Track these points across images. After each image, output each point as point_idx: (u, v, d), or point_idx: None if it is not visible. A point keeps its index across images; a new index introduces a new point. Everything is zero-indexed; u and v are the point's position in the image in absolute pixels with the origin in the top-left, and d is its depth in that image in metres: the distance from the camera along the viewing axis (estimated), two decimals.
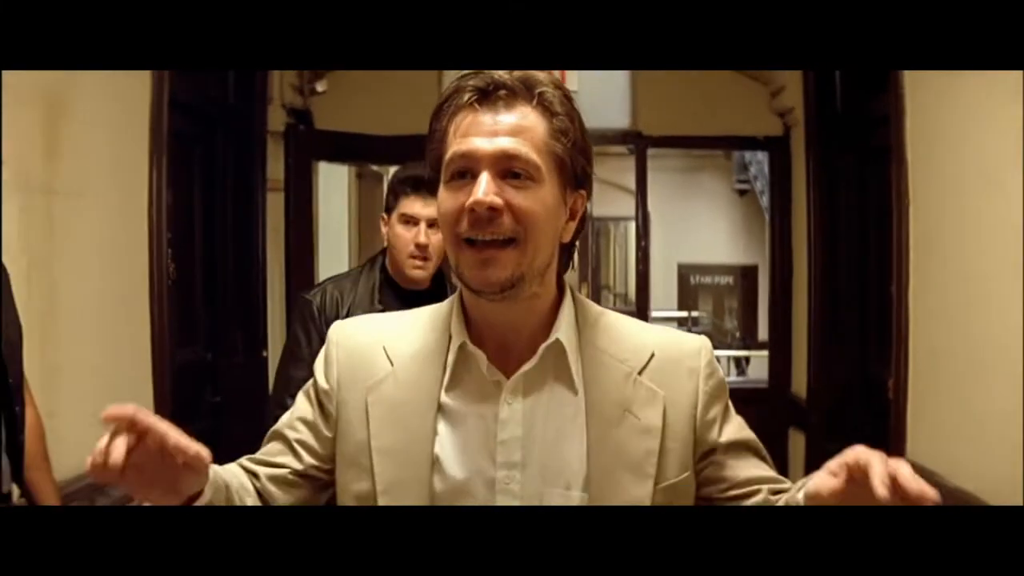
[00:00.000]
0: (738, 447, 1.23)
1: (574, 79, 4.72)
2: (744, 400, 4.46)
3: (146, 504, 1.04)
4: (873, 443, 2.73)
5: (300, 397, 1.26)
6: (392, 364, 1.21)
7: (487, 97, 1.15)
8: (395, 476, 1.17)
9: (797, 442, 4.69)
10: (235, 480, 1.18)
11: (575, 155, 1.18)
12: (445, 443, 1.18)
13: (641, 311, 5.37)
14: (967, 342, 2.81)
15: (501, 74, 1.16)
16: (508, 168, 1.13)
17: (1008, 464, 2.55)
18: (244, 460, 1.25)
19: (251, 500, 1.20)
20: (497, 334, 1.20)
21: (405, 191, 2.45)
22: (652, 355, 1.20)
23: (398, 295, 2.44)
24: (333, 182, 5.54)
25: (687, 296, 9.96)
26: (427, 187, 2.31)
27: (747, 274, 9.23)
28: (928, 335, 3.12)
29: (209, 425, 3.61)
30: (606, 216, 12.15)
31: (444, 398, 1.19)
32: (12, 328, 1.96)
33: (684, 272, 10.04)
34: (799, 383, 4.73)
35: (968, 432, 2.81)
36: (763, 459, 1.25)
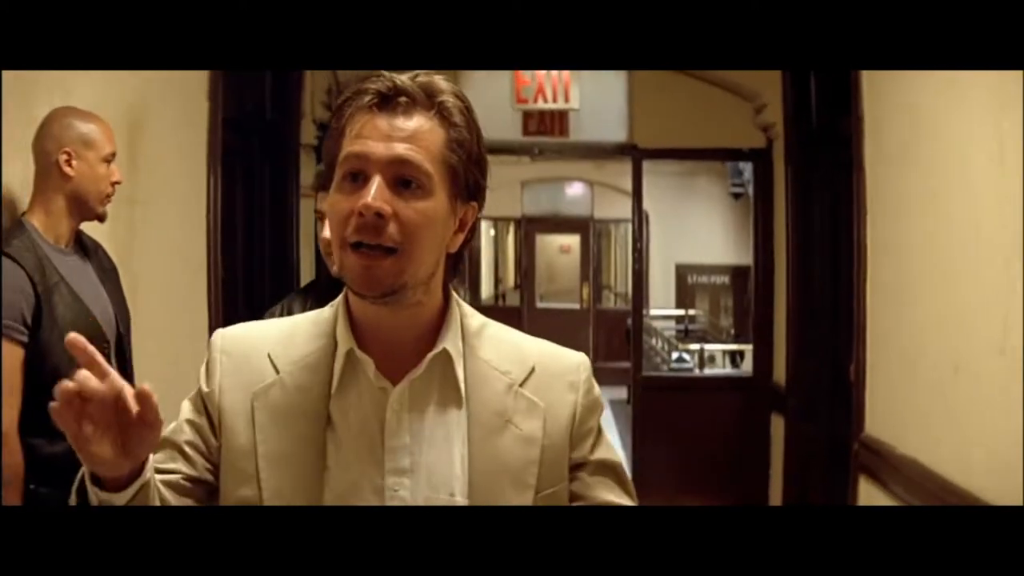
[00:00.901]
0: (605, 469, 1.24)
1: (576, 97, 5.23)
2: (733, 388, 4.92)
3: (89, 465, 1.03)
4: (839, 421, 3.18)
5: (185, 404, 1.24)
6: (278, 371, 1.20)
7: (387, 102, 1.13)
8: (282, 482, 1.16)
9: (777, 424, 5.13)
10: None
11: (469, 167, 1.17)
12: (332, 450, 1.17)
13: (637, 309, 5.83)
14: (914, 331, 3.17)
15: (403, 79, 1.15)
16: (400, 175, 1.12)
17: (948, 431, 2.94)
18: None
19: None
20: (383, 341, 1.19)
21: (319, 188, 2.35)
22: (533, 368, 1.21)
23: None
24: None
25: (684, 295, 10.05)
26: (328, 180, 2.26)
27: (741, 274, 9.34)
28: (882, 326, 3.49)
29: None
30: (607, 218, 12.65)
31: (332, 405, 1.18)
32: (124, 320, 2.40)
33: (682, 272, 10.08)
34: (779, 373, 5.13)
35: (916, 407, 3.16)
36: (624, 485, 1.27)
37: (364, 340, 1.19)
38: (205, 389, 1.20)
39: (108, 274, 2.42)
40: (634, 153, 5.55)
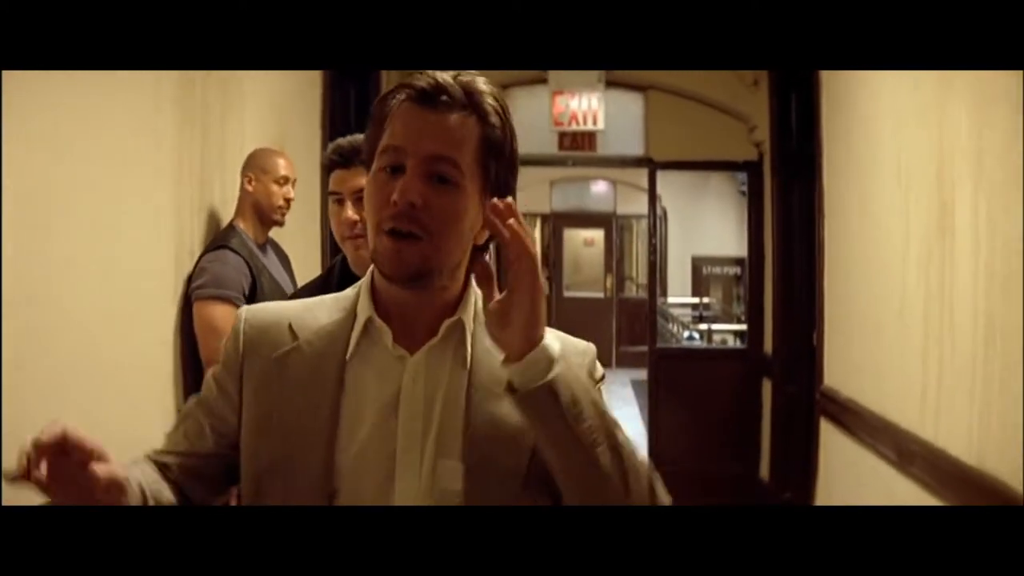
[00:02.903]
0: None
1: (602, 120, 5.84)
2: (731, 358, 6.02)
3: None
4: (806, 377, 4.13)
5: (207, 379, 1.26)
6: (297, 338, 1.21)
7: (429, 98, 1.14)
8: (296, 445, 1.16)
9: (766, 386, 5.86)
10: (148, 478, 1.17)
11: (500, 166, 1.17)
12: (347, 415, 1.17)
13: (652, 294, 6.52)
14: (860, 305, 3.91)
15: (446, 77, 1.15)
16: (435, 170, 1.13)
17: (877, 379, 3.65)
18: (152, 454, 1.25)
19: (168, 494, 1.19)
20: (402, 315, 1.19)
21: (331, 167, 2.25)
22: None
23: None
24: None
25: (700, 284, 10.53)
26: (346, 158, 2.20)
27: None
28: (836, 302, 4.29)
29: None
30: (629, 214, 12.98)
31: (347, 371, 1.18)
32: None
33: (697, 264, 10.59)
34: (768, 345, 5.87)
35: (857, 361, 3.92)
36: None
37: (383, 313, 1.21)
38: (232, 356, 1.23)
39: (285, 262, 3.29)
40: (649, 164, 6.17)
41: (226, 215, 3.24)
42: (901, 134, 3.36)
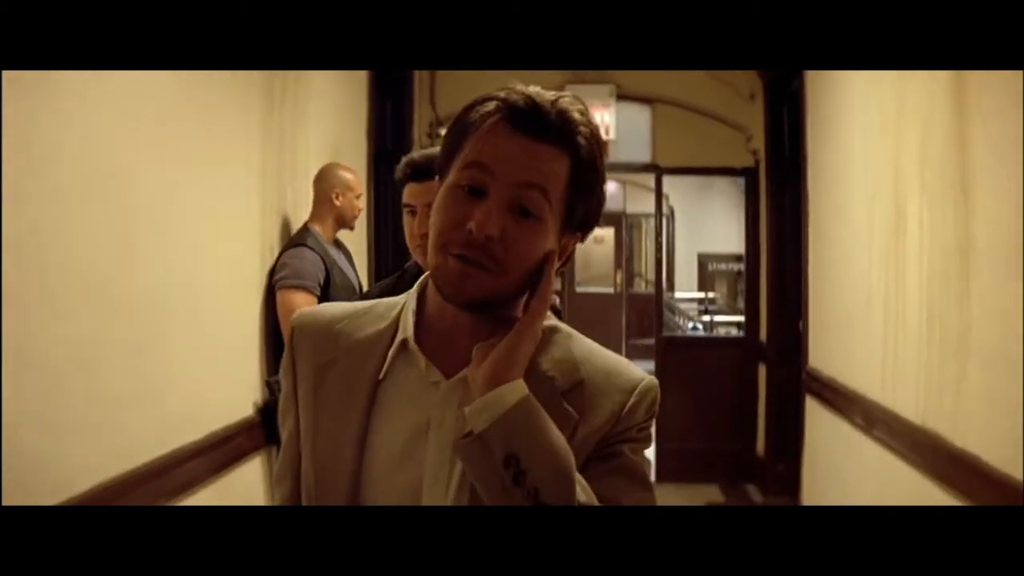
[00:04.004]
0: (624, 468, 1.10)
1: (613, 130, 6.23)
2: (730, 345, 6.62)
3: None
4: (795, 360, 4.65)
5: (282, 393, 1.20)
6: (340, 348, 1.15)
7: (522, 120, 1.05)
8: (326, 463, 1.11)
9: (761, 370, 6.23)
10: None
11: (586, 203, 1.09)
12: (375, 438, 1.10)
13: (658, 287, 6.94)
14: (836, 296, 4.36)
15: (543, 99, 1.06)
16: (520, 202, 1.05)
17: (851, 361, 4.09)
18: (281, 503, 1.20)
19: None
20: (448, 333, 1.11)
21: (404, 180, 2.31)
22: (581, 381, 1.10)
23: None
24: None
25: (705, 280, 10.64)
26: (419, 172, 2.23)
27: None
28: (818, 293, 4.74)
29: None
30: (639, 213, 13.13)
31: (380, 390, 1.12)
32: (359, 286, 3.75)
33: (703, 260, 10.74)
34: (762, 333, 6.28)
35: (840, 348, 4.35)
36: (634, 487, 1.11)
37: (426, 331, 1.13)
38: (286, 368, 1.18)
39: (349, 258, 3.80)
40: (656, 170, 6.52)
41: (295, 219, 3.81)
42: (867, 147, 3.86)
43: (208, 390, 3.02)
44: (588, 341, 1.17)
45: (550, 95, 1.08)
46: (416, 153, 2.34)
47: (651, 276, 12.22)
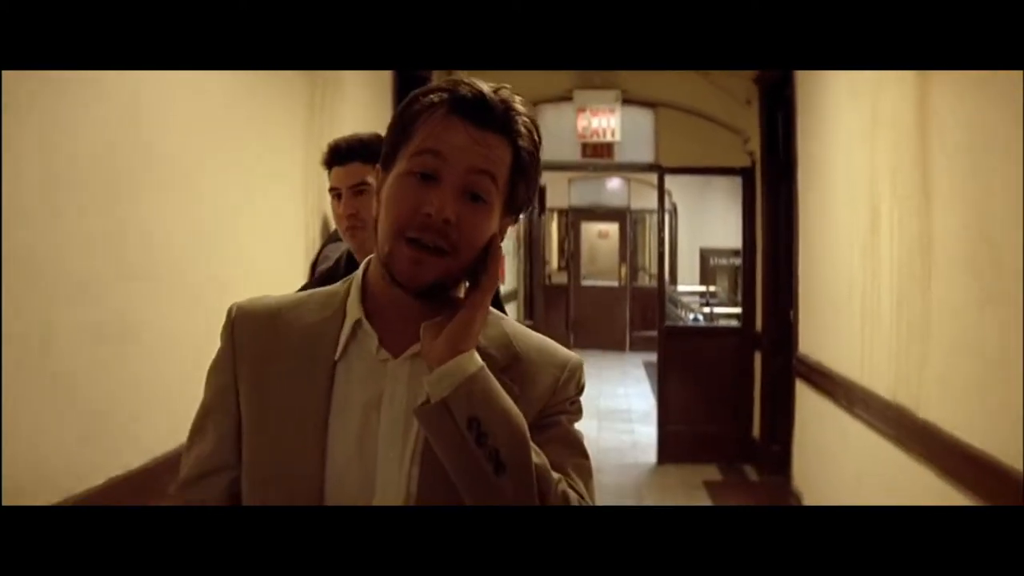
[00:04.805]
0: (563, 437, 1.16)
1: (618, 132, 6.54)
2: (728, 335, 7.10)
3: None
4: (787, 347, 5.05)
5: (210, 380, 1.19)
6: (286, 337, 1.16)
7: (469, 109, 1.09)
8: (288, 450, 1.12)
9: (757, 357, 6.54)
10: None
11: (525, 188, 1.14)
12: (335, 418, 1.12)
13: (660, 280, 7.24)
14: (823, 288, 4.69)
15: (487, 90, 1.10)
16: (469, 186, 1.09)
17: (830, 347, 4.47)
18: (185, 495, 1.18)
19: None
20: (396, 314, 1.14)
21: (329, 165, 2.30)
22: (517, 356, 1.16)
23: None
24: None
25: (707, 274, 10.59)
26: (342, 156, 2.25)
27: None
28: (807, 285, 5.09)
29: None
30: (643, 208, 13.35)
31: (336, 373, 1.14)
32: None
33: (705, 255, 10.78)
34: (758, 323, 6.58)
35: (826, 335, 4.69)
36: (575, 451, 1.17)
37: (373, 314, 1.16)
38: (226, 352, 1.18)
39: None
40: (658, 170, 6.81)
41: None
42: (849, 152, 4.21)
43: None
44: (515, 322, 1.23)
45: (492, 86, 1.13)
46: (338, 138, 2.37)
47: (654, 270, 12.30)
